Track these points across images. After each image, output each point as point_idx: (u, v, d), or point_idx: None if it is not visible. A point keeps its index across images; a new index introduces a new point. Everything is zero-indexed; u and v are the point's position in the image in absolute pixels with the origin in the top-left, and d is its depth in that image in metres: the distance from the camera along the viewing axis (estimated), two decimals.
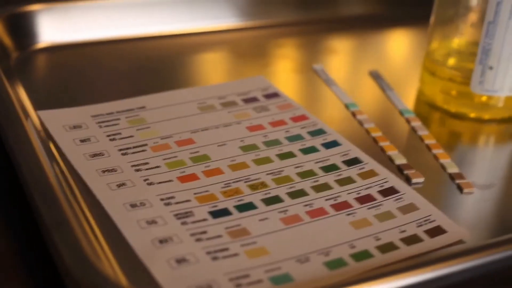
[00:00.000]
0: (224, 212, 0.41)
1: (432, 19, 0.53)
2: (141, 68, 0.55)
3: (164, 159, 0.45)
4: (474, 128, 0.52)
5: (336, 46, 0.62)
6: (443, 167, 0.47)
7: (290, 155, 0.46)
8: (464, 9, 0.51)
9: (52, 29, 0.56)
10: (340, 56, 0.60)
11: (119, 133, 0.47)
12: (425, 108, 0.54)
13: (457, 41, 0.53)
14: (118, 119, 0.49)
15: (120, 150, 0.46)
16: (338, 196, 0.43)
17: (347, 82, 0.56)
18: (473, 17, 0.50)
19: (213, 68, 0.56)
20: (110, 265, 0.37)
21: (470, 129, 0.52)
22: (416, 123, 0.51)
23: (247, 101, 0.52)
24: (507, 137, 0.52)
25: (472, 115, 0.52)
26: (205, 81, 0.54)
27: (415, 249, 0.40)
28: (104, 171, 0.44)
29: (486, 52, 0.50)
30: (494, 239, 0.40)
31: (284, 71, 0.56)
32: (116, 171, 0.44)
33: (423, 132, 0.50)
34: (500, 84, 0.51)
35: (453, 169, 0.46)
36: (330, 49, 0.61)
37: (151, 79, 0.54)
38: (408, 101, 0.54)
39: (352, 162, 0.46)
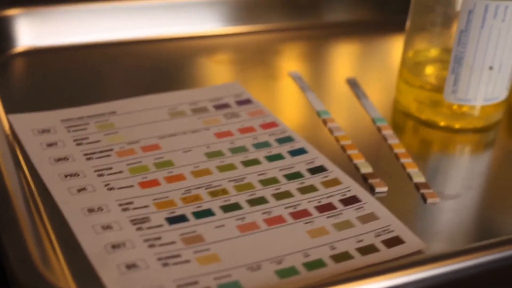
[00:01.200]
0: (181, 219, 0.41)
1: (407, 27, 0.53)
2: (117, 73, 0.56)
3: (128, 165, 0.46)
4: (446, 138, 0.52)
5: (316, 53, 0.62)
6: (409, 177, 0.47)
7: (255, 162, 0.47)
8: (438, 17, 0.51)
9: (30, 34, 0.57)
10: (320, 63, 0.60)
11: (87, 138, 0.48)
12: (400, 116, 0.54)
13: (432, 50, 0.53)
14: (88, 123, 0.49)
15: (86, 154, 0.46)
16: (298, 204, 0.43)
17: (323, 89, 0.56)
18: (446, 25, 0.50)
19: (190, 73, 0.57)
20: (61, 270, 0.37)
21: (443, 139, 0.52)
22: (387, 132, 0.51)
23: (219, 107, 0.52)
24: (478, 147, 0.52)
25: (442, 123, 0.52)
26: (181, 86, 0.54)
27: (370, 259, 0.40)
28: (66, 176, 0.44)
29: (458, 60, 0.50)
30: (451, 250, 0.40)
31: (260, 77, 0.57)
32: (78, 175, 0.44)
33: (393, 141, 0.50)
34: (473, 93, 0.51)
35: (419, 178, 0.46)
36: (310, 56, 0.61)
37: (126, 84, 0.54)
38: (385, 109, 0.54)
39: (317, 170, 0.46)
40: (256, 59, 0.59)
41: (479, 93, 0.51)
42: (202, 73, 0.57)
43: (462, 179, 0.48)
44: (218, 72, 0.57)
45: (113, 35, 0.58)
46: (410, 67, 0.53)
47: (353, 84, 0.56)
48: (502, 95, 0.52)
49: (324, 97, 0.54)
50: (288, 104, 0.54)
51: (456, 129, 0.52)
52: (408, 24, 0.53)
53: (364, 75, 0.58)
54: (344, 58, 0.62)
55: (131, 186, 0.44)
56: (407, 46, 0.53)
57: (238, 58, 0.59)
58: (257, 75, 0.57)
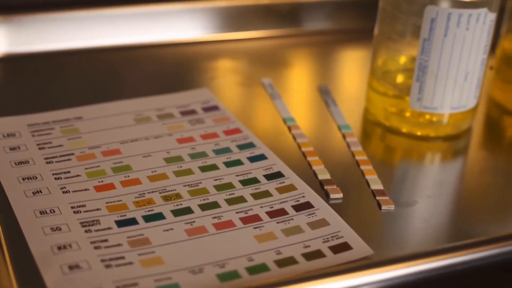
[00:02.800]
0: (131, 222, 0.42)
1: (375, 36, 0.54)
2: (87, 79, 0.57)
3: (86, 169, 0.47)
4: (414, 146, 0.52)
5: (293, 60, 0.63)
6: (368, 184, 0.47)
7: (212, 167, 0.48)
8: (404, 26, 0.51)
9: (7, 40, 0.58)
10: (295, 70, 0.61)
11: (50, 142, 0.49)
12: (369, 124, 0.54)
13: (400, 58, 0.53)
14: (53, 128, 0.51)
15: (46, 158, 0.48)
16: (250, 210, 0.44)
17: (294, 96, 0.57)
18: (413, 34, 0.51)
19: (161, 79, 0.58)
20: (6, 270, 0.39)
21: (410, 147, 0.52)
22: (351, 139, 0.51)
23: (185, 113, 0.53)
24: (445, 155, 0.52)
25: (409, 131, 0.52)
26: (151, 92, 0.55)
27: (315, 264, 0.40)
28: (24, 179, 0.45)
29: (422, 69, 0.50)
30: (396, 255, 0.40)
31: (232, 84, 0.58)
32: (36, 178, 0.46)
33: (356, 148, 0.50)
34: (439, 102, 0.51)
35: (376, 185, 0.47)
36: (285, 63, 0.62)
37: (96, 90, 0.55)
38: (355, 117, 0.55)
39: (274, 176, 0.47)
40: (230, 66, 0.61)
41: (444, 101, 0.51)
42: (172, 79, 0.58)
43: (422, 187, 0.48)
44: (190, 79, 0.58)
45: (85, 43, 0.60)
46: (379, 76, 0.53)
47: (324, 91, 0.57)
48: (470, 103, 0.52)
49: (294, 104, 0.55)
50: (256, 111, 0.55)
51: (424, 137, 0.52)
52: (375, 33, 0.53)
53: (338, 83, 0.59)
54: (319, 65, 0.63)
55: (86, 189, 0.45)
56: (375, 54, 0.54)
57: (211, 64, 0.61)
58: (230, 82, 0.58)
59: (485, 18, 0.49)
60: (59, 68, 0.58)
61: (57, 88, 0.55)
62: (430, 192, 0.47)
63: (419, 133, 0.52)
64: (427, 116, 0.52)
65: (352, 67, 0.63)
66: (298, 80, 0.60)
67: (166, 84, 0.57)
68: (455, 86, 0.51)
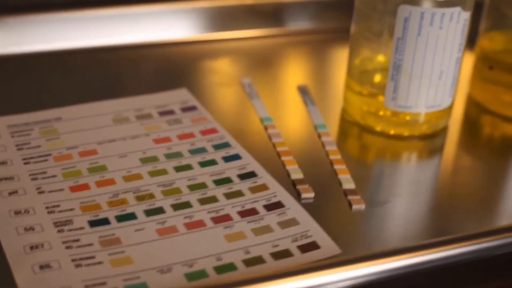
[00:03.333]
0: (103, 222, 0.44)
1: (352, 36, 0.54)
2: (70, 80, 0.58)
3: (63, 169, 0.48)
4: (390, 145, 0.53)
5: (274, 60, 0.64)
6: (340, 183, 0.48)
7: (187, 167, 0.49)
8: (380, 25, 0.52)
9: None
10: (276, 70, 0.62)
11: (28, 143, 0.50)
12: (346, 123, 0.55)
13: (377, 58, 0.54)
14: (32, 129, 0.52)
15: (24, 159, 0.49)
16: (221, 209, 0.45)
17: (273, 96, 0.58)
18: (390, 33, 0.51)
19: (142, 80, 0.59)
20: None
21: (386, 146, 0.53)
22: (327, 138, 0.52)
23: (163, 114, 0.54)
24: (421, 154, 0.53)
25: (385, 130, 0.53)
26: (131, 93, 0.56)
27: (283, 263, 0.41)
28: (1, 179, 0.46)
29: (397, 68, 0.51)
30: (362, 253, 0.41)
31: (212, 84, 0.59)
32: (13, 179, 0.47)
33: (331, 147, 0.51)
34: (413, 101, 0.52)
35: (348, 185, 0.48)
36: (267, 63, 0.63)
37: (78, 91, 0.56)
38: (333, 116, 0.56)
39: (247, 176, 0.48)
40: (212, 66, 0.62)
41: (419, 100, 0.52)
42: (153, 80, 0.59)
43: (395, 186, 0.49)
44: (171, 79, 0.59)
45: (67, 44, 0.61)
46: (356, 75, 0.54)
47: (303, 91, 0.58)
48: (446, 102, 0.53)
49: (273, 104, 0.56)
50: (234, 111, 0.56)
51: (400, 136, 0.53)
52: (351, 32, 0.54)
53: (319, 83, 0.60)
54: (301, 65, 0.64)
55: (62, 189, 0.46)
56: (352, 54, 0.54)
57: (193, 65, 0.61)
58: (210, 82, 0.59)
59: (459, 17, 0.50)
60: (40, 69, 0.59)
61: (38, 89, 0.56)
62: (403, 191, 0.48)
63: (394, 132, 0.53)
64: (403, 115, 0.53)
65: (334, 67, 0.64)
66: (279, 80, 0.61)
67: (147, 84, 0.58)
68: (429, 85, 0.51)
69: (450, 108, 0.54)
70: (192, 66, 0.61)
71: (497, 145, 0.56)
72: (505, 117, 0.57)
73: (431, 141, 0.54)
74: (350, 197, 0.47)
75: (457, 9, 0.50)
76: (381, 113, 0.53)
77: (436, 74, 0.51)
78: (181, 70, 0.61)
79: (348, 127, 0.55)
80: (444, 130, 0.55)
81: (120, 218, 0.44)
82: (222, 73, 0.60)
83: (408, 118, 0.53)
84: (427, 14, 0.49)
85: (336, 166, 0.50)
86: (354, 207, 0.46)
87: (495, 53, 0.57)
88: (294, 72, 0.63)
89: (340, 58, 0.65)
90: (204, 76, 0.60)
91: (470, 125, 0.58)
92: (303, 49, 0.66)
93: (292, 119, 0.55)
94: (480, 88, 0.59)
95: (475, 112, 0.59)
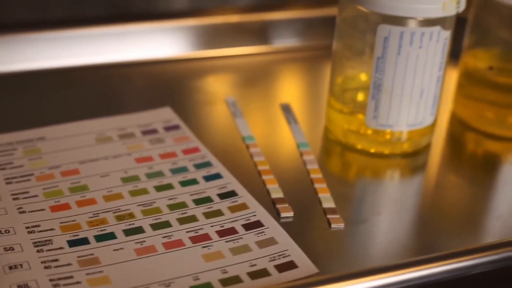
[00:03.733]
0: (82, 241, 0.44)
1: (333, 55, 0.55)
2: (56, 99, 0.59)
3: (44, 189, 0.48)
4: (372, 163, 0.54)
5: (259, 78, 0.65)
6: (320, 202, 0.49)
7: (168, 187, 0.49)
8: (358, 45, 0.52)
9: None
10: (261, 88, 0.63)
11: (11, 163, 0.51)
12: (329, 142, 0.56)
13: (360, 76, 0.55)
14: (15, 149, 0.52)
15: (6, 179, 0.49)
16: (200, 229, 0.46)
17: (257, 114, 0.58)
18: (366, 52, 0.52)
19: (127, 99, 0.60)
20: None
21: (368, 164, 0.54)
22: (308, 157, 0.53)
23: (146, 133, 0.55)
24: (404, 172, 0.54)
25: (368, 149, 0.54)
26: (115, 111, 0.57)
27: (260, 283, 0.42)
28: None
29: (377, 87, 0.52)
30: (339, 273, 0.42)
31: (197, 103, 0.59)
32: None
33: (312, 166, 0.52)
34: (394, 119, 0.52)
35: (328, 203, 0.48)
36: (251, 81, 0.64)
37: (63, 110, 0.57)
38: (316, 134, 0.56)
39: (227, 195, 0.49)
40: (196, 85, 0.62)
41: (400, 119, 0.53)
42: (138, 98, 0.60)
43: (376, 204, 0.49)
44: (155, 97, 0.59)
45: (52, 63, 0.62)
46: (338, 94, 0.55)
47: (286, 109, 0.58)
48: (427, 120, 0.54)
49: (256, 122, 0.57)
50: (217, 129, 0.56)
51: (382, 155, 0.54)
52: (333, 51, 0.55)
53: (304, 101, 0.61)
54: (286, 83, 0.65)
55: (43, 209, 0.46)
56: (333, 73, 0.55)
57: (177, 83, 0.62)
58: (195, 101, 0.60)
59: (439, 36, 0.51)
60: (24, 88, 0.59)
61: (22, 108, 0.57)
62: (384, 209, 0.49)
63: (376, 151, 0.53)
64: (384, 134, 0.53)
65: (319, 84, 0.65)
66: (263, 98, 0.62)
67: (132, 103, 0.59)
68: (410, 103, 0.52)
69: (432, 126, 0.55)
70: (178, 85, 0.62)
71: (480, 162, 0.56)
72: (488, 134, 0.58)
73: (413, 159, 0.55)
74: (329, 216, 0.47)
75: (437, 28, 0.50)
76: (362, 131, 0.54)
77: (417, 92, 0.52)
78: (166, 88, 0.61)
79: (331, 145, 0.56)
80: (427, 148, 0.55)
81: (99, 238, 0.44)
82: (207, 92, 0.61)
83: (389, 136, 0.54)
84: (406, 33, 0.50)
85: (317, 185, 0.50)
86: (333, 226, 0.47)
87: (478, 70, 0.58)
88: (279, 90, 0.64)
89: (326, 76, 0.66)
90: (189, 94, 0.61)
91: (454, 142, 0.59)
92: (288, 66, 0.67)
93: (274, 137, 0.56)
94: (463, 105, 0.59)
95: (458, 129, 0.59)
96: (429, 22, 0.50)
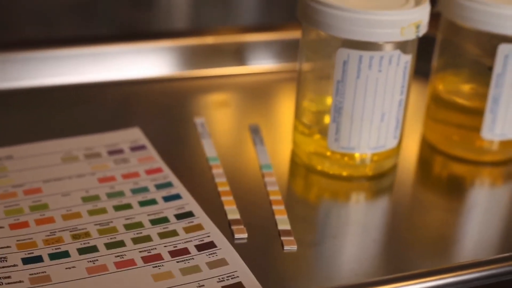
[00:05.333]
0: (36, 259, 0.46)
1: (298, 79, 0.57)
2: (28, 118, 0.61)
3: (6, 207, 0.50)
4: (333, 186, 0.55)
5: (232, 99, 0.67)
6: (276, 224, 0.50)
7: (127, 206, 0.51)
8: (319, 68, 0.54)
9: None
10: (232, 109, 0.65)
11: None
12: (294, 164, 0.58)
13: (318, 99, 0.56)
14: None
15: None
16: (153, 249, 0.47)
17: (225, 136, 0.60)
18: (330, 76, 0.54)
19: (97, 119, 0.62)
20: None
21: (330, 187, 0.55)
22: (270, 179, 0.54)
23: (112, 153, 0.57)
24: (367, 195, 0.55)
25: (330, 171, 0.55)
26: (84, 131, 0.59)
27: None
28: None
29: (338, 110, 0.53)
30: None
31: (167, 123, 0.61)
32: None
33: (272, 188, 0.53)
34: (356, 142, 0.54)
35: (283, 226, 0.50)
36: (223, 102, 0.66)
37: (34, 130, 0.59)
38: (282, 157, 0.58)
39: (184, 215, 0.50)
40: (167, 105, 0.64)
41: (362, 142, 0.54)
42: (109, 119, 0.62)
43: (331, 227, 0.51)
44: (126, 118, 0.61)
45: (27, 82, 0.64)
46: (303, 117, 0.56)
47: (254, 130, 0.60)
48: (390, 143, 0.55)
49: (223, 143, 0.59)
50: (183, 150, 0.58)
51: (347, 177, 0.55)
52: (298, 74, 0.56)
53: (274, 122, 0.62)
54: (259, 105, 0.67)
55: (2, 227, 0.48)
56: (298, 96, 0.57)
57: (148, 103, 0.64)
58: (164, 121, 0.62)
59: (399, 60, 0.52)
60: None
61: None
62: (340, 232, 0.50)
63: (339, 173, 0.55)
64: (348, 156, 0.55)
65: (291, 106, 0.66)
66: (233, 119, 0.64)
67: (102, 123, 0.60)
68: (371, 127, 0.54)
69: (397, 149, 0.56)
70: (151, 105, 0.64)
71: (445, 185, 0.58)
72: (455, 157, 0.59)
73: (378, 181, 0.56)
74: (283, 238, 0.49)
75: (397, 52, 0.52)
76: (326, 154, 0.55)
77: (377, 116, 0.53)
78: (137, 108, 0.64)
79: (296, 168, 0.57)
80: (392, 170, 0.57)
81: (53, 256, 0.46)
82: (178, 112, 0.63)
83: (352, 159, 0.55)
84: (365, 57, 0.52)
85: (275, 207, 0.52)
86: (286, 248, 0.48)
87: (444, 93, 0.59)
88: (250, 112, 0.65)
89: None
90: (161, 115, 0.63)
91: (421, 165, 0.60)
92: (263, 88, 0.68)
93: (239, 158, 0.57)
94: (431, 129, 0.61)
95: (427, 152, 0.61)
96: (388, 46, 0.52)
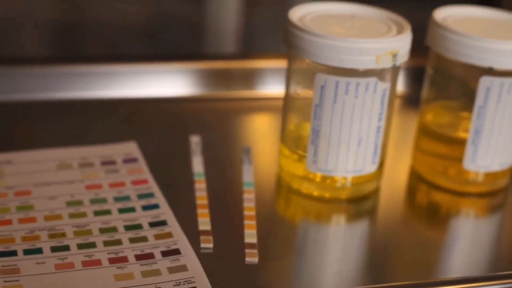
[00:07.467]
0: (11, 253, 0.50)
1: (284, 104, 0.60)
2: (43, 127, 0.67)
3: None
4: (315, 208, 0.58)
5: (233, 120, 0.71)
6: (243, 237, 0.53)
7: (106, 212, 0.55)
8: (306, 94, 0.57)
9: None
10: (228, 131, 0.69)
11: None
12: (278, 186, 0.61)
13: (301, 124, 0.59)
14: None
15: None
16: (121, 252, 0.51)
17: (216, 154, 0.64)
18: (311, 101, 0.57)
19: (102, 132, 0.66)
20: None
21: (312, 208, 0.58)
22: (249, 196, 0.58)
23: (105, 163, 0.61)
24: (350, 217, 0.58)
25: (305, 191, 0.58)
26: (89, 142, 0.64)
27: None
28: None
29: (316, 133, 0.56)
30: None
31: (164, 140, 0.66)
32: None
33: (248, 204, 0.57)
34: (333, 165, 0.57)
35: (250, 239, 0.53)
36: (223, 123, 0.70)
37: (43, 139, 0.65)
38: (268, 178, 0.61)
39: (157, 224, 0.54)
40: (169, 123, 0.69)
41: (339, 165, 0.57)
42: (110, 133, 0.66)
43: (297, 244, 0.54)
44: (128, 133, 0.66)
45: (34, 95, 0.70)
46: (288, 141, 0.60)
47: (246, 151, 0.64)
48: (368, 168, 0.58)
49: (213, 161, 0.62)
50: (173, 165, 0.62)
51: (329, 200, 0.58)
52: (283, 99, 0.60)
53: (269, 146, 0.66)
54: (256, 128, 0.70)
55: None
56: (285, 120, 0.60)
57: (153, 121, 0.69)
58: (162, 138, 0.66)
59: (376, 87, 0.55)
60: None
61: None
62: (305, 249, 0.53)
63: (318, 194, 0.58)
64: (329, 179, 0.58)
65: None
66: (229, 140, 0.68)
67: (107, 136, 0.65)
68: (348, 151, 0.56)
69: (376, 173, 0.59)
70: (154, 122, 0.69)
71: (426, 213, 0.60)
72: (440, 187, 0.61)
73: (357, 205, 0.59)
74: (247, 250, 0.52)
75: (373, 80, 0.55)
76: (310, 176, 0.58)
77: (354, 141, 0.56)
78: (142, 125, 0.68)
79: (279, 189, 0.61)
80: (372, 195, 0.59)
81: (27, 252, 0.51)
82: (177, 130, 0.67)
83: (333, 181, 0.58)
84: (341, 83, 0.55)
85: (246, 222, 0.55)
86: (247, 259, 0.51)
87: (434, 124, 0.62)
88: (247, 133, 0.69)
89: None
90: (159, 131, 0.67)
91: (405, 192, 0.62)
92: (266, 112, 0.72)
93: (224, 176, 0.61)
94: (418, 159, 0.63)
95: (413, 181, 0.63)
96: (364, 73, 0.55)
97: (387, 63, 0.55)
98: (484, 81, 0.57)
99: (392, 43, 0.55)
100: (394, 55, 0.55)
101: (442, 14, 0.61)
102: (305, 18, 0.58)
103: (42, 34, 0.92)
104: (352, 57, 0.54)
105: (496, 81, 0.57)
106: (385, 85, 0.56)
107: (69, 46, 0.91)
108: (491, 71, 0.57)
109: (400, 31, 0.56)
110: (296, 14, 0.58)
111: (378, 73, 0.55)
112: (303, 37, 0.55)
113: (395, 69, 0.56)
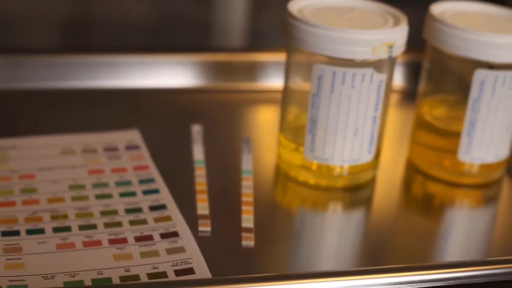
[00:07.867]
0: (14, 233, 0.52)
1: (283, 94, 0.62)
2: (52, 114, 0.68)
3: None
4: (312, 195, 0.60)
5: (233, 110, 0.73)
6: (241, 221, 0.55)
7: (107, 196, 0.57)
8: (301, 83, 0.59)
9: None
10: (231, 121, 0.71)
11: None
12: (277, 174, 0.62)
13: (300, 114, 0.61)
14: None
15: None
16: (121, 233, 0.53)
17: (217, 144, 0.65)
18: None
19: (109, 120, 0.68)
20: None
21: (309, 196, 0.60)
22: (247, 183, 0.59)
23: (107, 150, 0.63)
24: (345, 205, 0.59)
25: (302, 179, 0.60)
26: (95, 130, 0.66)
27: (156, 282, 0.48)
28: None
29: (313, 122, 0.58)
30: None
31: (167, 128, 0.67)
32: None
33: (247, 190, 0.58)
34: (329, 154, 0.58)
35: (247, 224, 0.54)
36: (227, 113, 0.71)
37: (53, 126, 0.66)
38: (268, 166, 0.63)
39: (157, 207, 0.56)
40: (174, 112, 0.70)
41: (335, 154, 0.58)
42: (119, 121, 0.68)
43: (293, 230, 0.55)
44: (132, 120, 0.68)
45: (43, 84, 0.72)
46: (289, 131, 0.61)
47: (246, 141, 0.65)
48: (365, 158, 0.59)
49: (213, 150, 0.64)
50: (174, 153, 0.64)
51: (322, 187, 0.60)
52: (282, 90, 0.61)
53: (271, 136, 0.67)
54: (259, 119, 0.72)
55: None
56: (283, 110, 0.61)
57: (158, 111, 0.71)
58: (164, 126, 0.68)
59: (372, 78, 0.56)
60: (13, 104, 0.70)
61: (4, 121, 0.66)
62: (300, 234, 0.55)
63: (316, 183, 0.60)
64: (325, 168, 0.59)
65: None
66: (230, 130, 0.69)
67: (112, 124, 0.67)
68: (344, 140, 0.58)
69: (373, 163, 0.60)
70: (153, 112, 0.71)
71: (421, 203, 0.62)
72: (436, 178, 0.62)
73: (354, 193, 0.60)
74: (243, 234, 0.53)
75: (369, 70, 0.56)
76: (306, 164, 0.60)
77: (350, 130, 0.58)
78: (146, 114, 0.70)
79: (277, 177, 0.62)
80: (369, 184, 0.61)
81: (30, 232, 0.52)
82: (180, 119, 0.69)
83: (329, 170, 0.59)
84: (338, 73, 0.56)
85: (244, 207, 0.56)
86: (244, 243, 0.53)
87: (430, 116, 0.63)
88: (248, 124, 0.71)
89: None
90: (165, 120, 0.69)
91: (402, 183, 0.64)
92: (269, 105, 0.74)
93: (224, 164, 0.63)
94: (414, 151, 0.64)
95: (410, 172, 0.64)
96: (361, 64, 0.56)
97: (383, 54, 0.56)
98: (479, 74, 0.59)
99: (389, 35, 0.56)
100: (390, 47, 0.56)
101: (439, 8, 0.63)
102: (304, 10, 0.59)
103: (51, 32, 0.94)
104: (348, 48, 0.55)
105: (490, 74, 0.59)
106: (381, 76, 0.57)
107: (77, 43, 0.93)
108: (487, 65, 0.58)
109: (396, 23, 0.58)
110: (296, 6, 0.59)
111: (374, 64, 0.57)
112: (301, 28, 0.56)
113: (391, 61, 0.58)
